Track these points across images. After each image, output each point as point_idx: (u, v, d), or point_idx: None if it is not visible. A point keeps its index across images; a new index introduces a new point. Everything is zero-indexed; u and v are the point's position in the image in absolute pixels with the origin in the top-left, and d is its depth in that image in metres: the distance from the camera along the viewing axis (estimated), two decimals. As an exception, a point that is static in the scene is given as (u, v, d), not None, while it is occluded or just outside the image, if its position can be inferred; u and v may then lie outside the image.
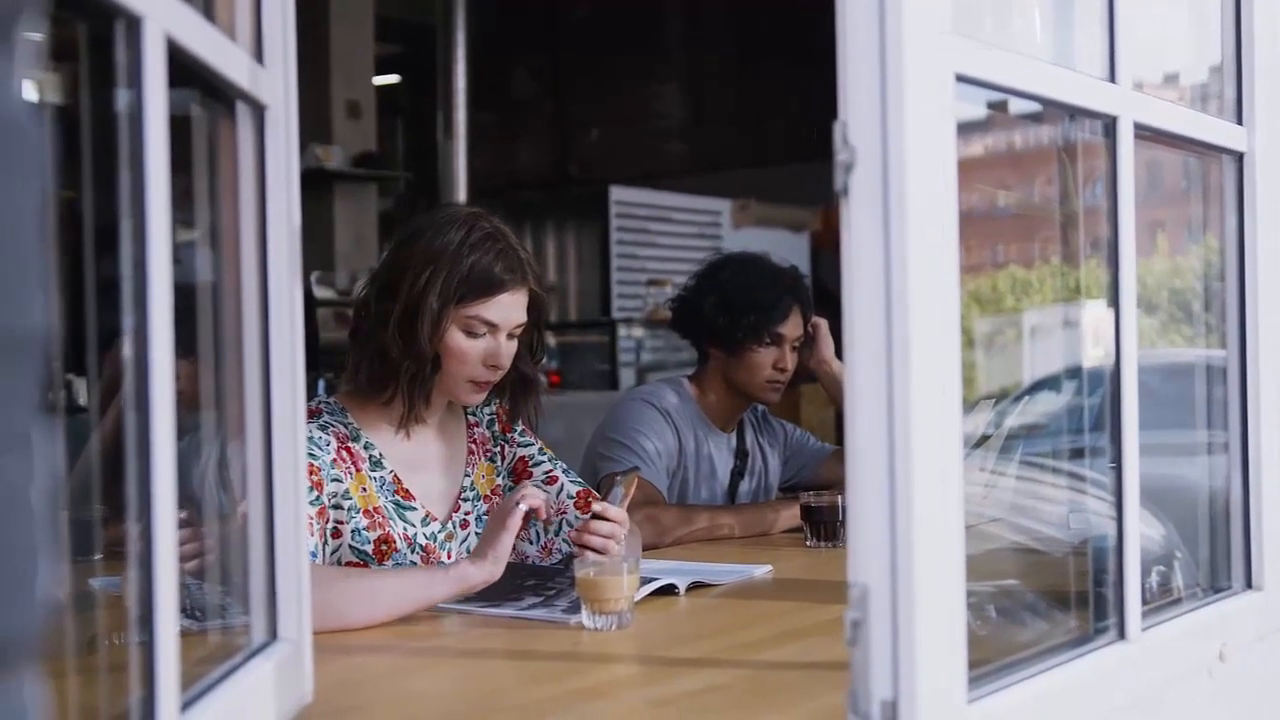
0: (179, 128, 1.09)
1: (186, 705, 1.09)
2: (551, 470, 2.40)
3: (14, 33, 0.58)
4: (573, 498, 2.35)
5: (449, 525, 2.29)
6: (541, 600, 2.03)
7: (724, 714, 1.49)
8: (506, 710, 1.52)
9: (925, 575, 1.16)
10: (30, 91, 0.60)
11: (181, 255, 1.14)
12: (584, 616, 1.87)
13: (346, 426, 2.22)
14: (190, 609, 1.37)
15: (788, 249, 6.53)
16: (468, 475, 2.35)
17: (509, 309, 2.21)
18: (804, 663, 1.71)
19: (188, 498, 1.18)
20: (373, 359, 2.20)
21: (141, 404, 1.01)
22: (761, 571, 2.35)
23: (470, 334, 2.19)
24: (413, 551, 2.21)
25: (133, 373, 1.01)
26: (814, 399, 6.73)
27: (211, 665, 1.26)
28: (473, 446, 2.38)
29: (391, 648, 1.84)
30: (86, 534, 1.75)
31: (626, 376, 7.42)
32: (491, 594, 2.05)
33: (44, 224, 0.61)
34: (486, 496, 2.37)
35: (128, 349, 1.01)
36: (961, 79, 1.24)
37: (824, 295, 3.29)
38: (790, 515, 2.83)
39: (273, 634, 1.38)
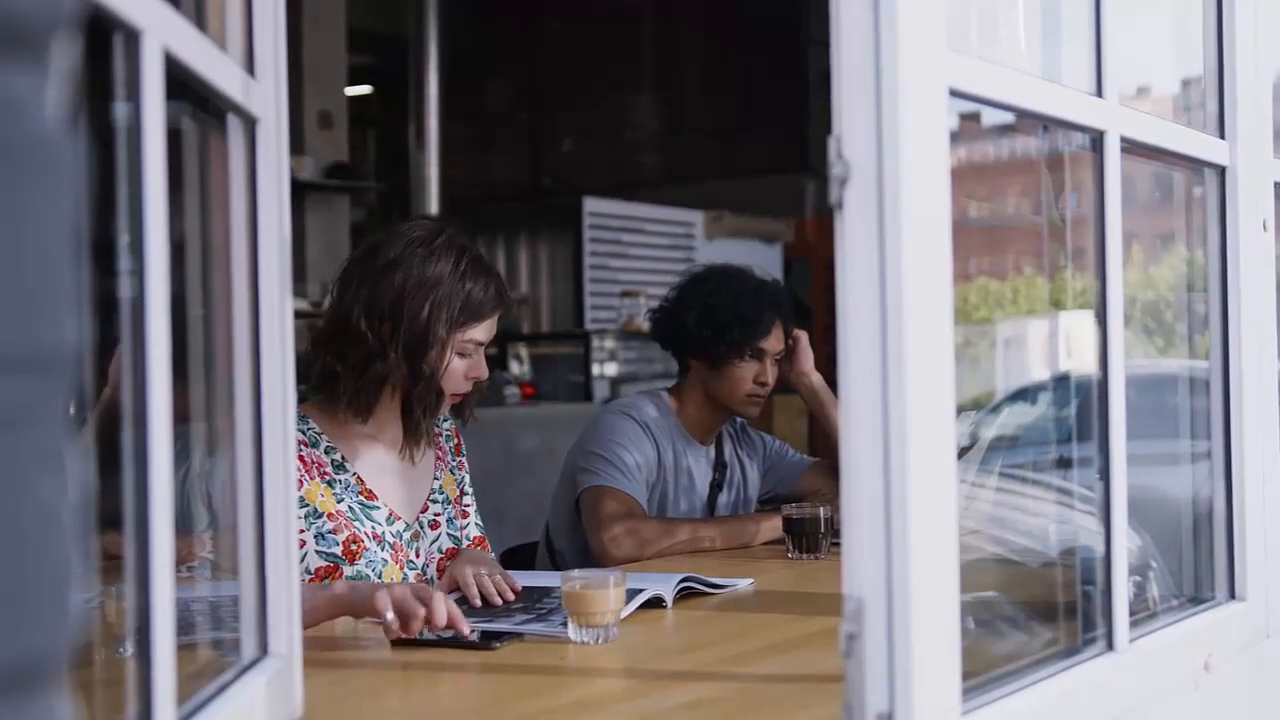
0: (169, 140, 1.08)
1: (181, 722, 1.09)
2: (469, 506, 2.51)
3: (46, 53, 0.58)
4: (469, 540, 2.44)
5: (415, 525, 2.35)
6: (535, 617, 2.03)
7: (716, 727, 1.49)
8: (496, 724, 1.52)
9: (921, 588, 1.16)
10: (63, 108, 0.60)
11: (171, 268, 1.14)
12: (570, 630, 1.87)
13: (305, 433, 2.26)
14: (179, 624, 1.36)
15: (760, 260, 6.54)
16: (436, 478, 2.42)
17: (493, 327, 2.34)
18: (794, 675, 1.71)
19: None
20: (371, 384, 2.25)
21: (138, 418, 1.00)
22: (745, 584, 2.35)
23: (462, 355, 2.29)
24: (382, 549, 2.26)
25: (130, 387, 1.00)
26: (786, 410, 6.74)
27: (203, 680, 1.25)
28: (439, 454, 2.46)
29: (380, 663, 1.83)
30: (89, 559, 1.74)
31: (600, 388, 7.41)
32: (483, 613, 2.04)
33: (77, 242, 0.61)
34: (455, 501, 2.45)
35: (125, 362, 1.00)
36: (955, 93, 1.25)
37: (796, 306, 3.30)
38: (771, 527, 2.84)
39: (263, 649, 1.37)
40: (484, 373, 2.33)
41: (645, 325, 3.32)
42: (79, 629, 0.60)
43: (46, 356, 0.57)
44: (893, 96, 1.16)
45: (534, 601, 2.13)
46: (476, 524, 2.51)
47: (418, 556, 2.34)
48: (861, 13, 1.16)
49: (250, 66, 1.35)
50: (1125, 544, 1.54)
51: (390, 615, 1.81)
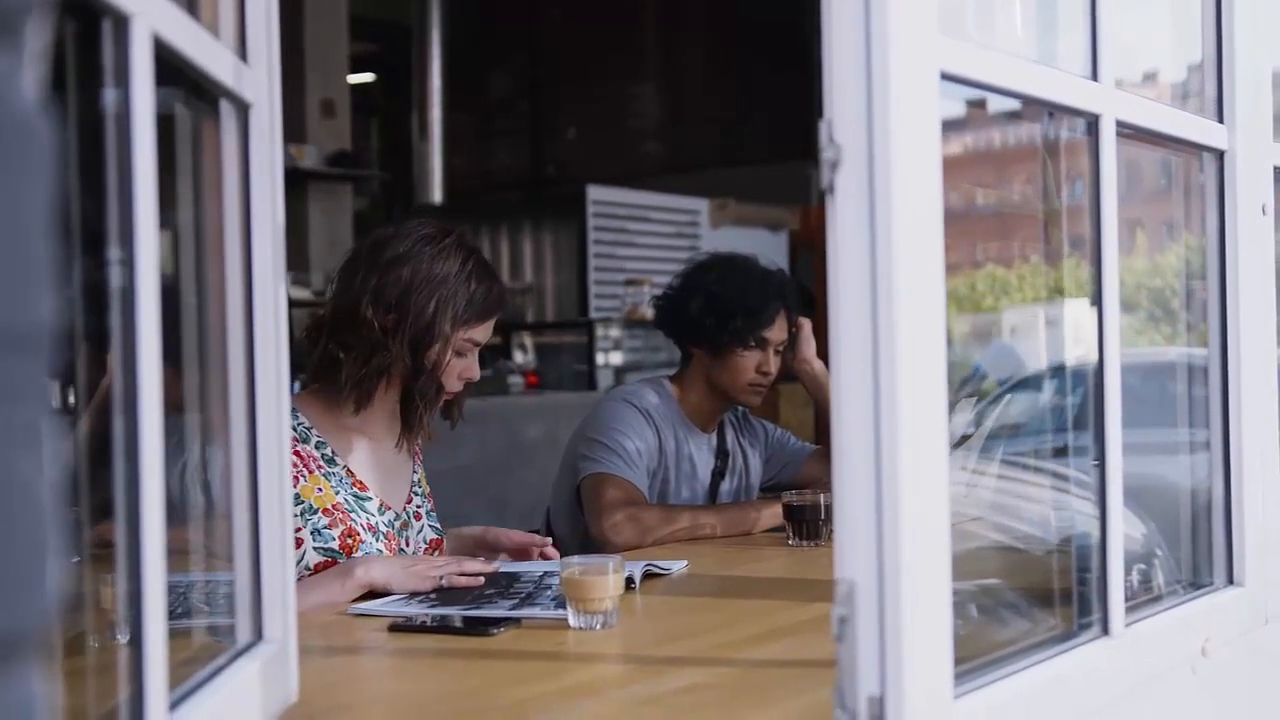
0: (161, 127, 1.08)
1: (174, 705, 1.09)
2: (429, 505, 2.52)
3: (21, 32, 0.58)
4: (426, 543, 2.45)
5: (404, 515, 2.39)
6: (524, 597, 2.03)
7: (711, 711, 1.49)
8: (492, 710, 1.52)
9: (912, 571, 1.16)
10: (37, 88, 0.60)
11: (163, 256, 1.14)
12: (569, 616, 1.87)
13: (295, 428, 2.27)
14: (174, 609, 1.36)
15: (766, 248, 6.54)
16: (416, 472, 2.47)
17: (490, 329, 2.38)
18: (790, 660, 1.71)
19: (169, 500, 1.17)
20: (372, 374, 2.27)
21: (129, 407, 1.00)
22: (678, 567, 2.37)
23: (460, 353, 2.33)
24: (376, 539, 2.30)
25: (120, 375, 1.00)
26: (792, 398, 6.75)
27: (197, 665, 1.25)
28: (416, 450, 2.50)
29: (376, 648, 1.83)
30: (67, 535, 1.74)
31: (604, 377, 7.41)
32: (468, 600, 2.04)
33: (51, 222, 0.61)
34: (429, 495, 2.50)
35: (115, 352, 1.00)
36: (947, 77, 1.25)
37: (802, 295, 3.29)
38: (772, 514, 2.84)
39: (258, 634, 1.37)
40: (476, 374, 2.38)
41: (649, 313, 3.32)
42: (57, 605, 0.61)
43: (22, 335, 0.58)
44: (883, 80, 1.15)
45: (507, 587, 2.13)
46: (433, 526, 2.51)
47: (407, 545, 2.38)
48: (852, -4, 1.16)
49: (243, 52, 1.35)
50: (1120, 529, 1.53)
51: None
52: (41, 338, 0.59)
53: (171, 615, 1.14)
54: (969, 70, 1.30)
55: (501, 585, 2.15)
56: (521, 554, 2.43)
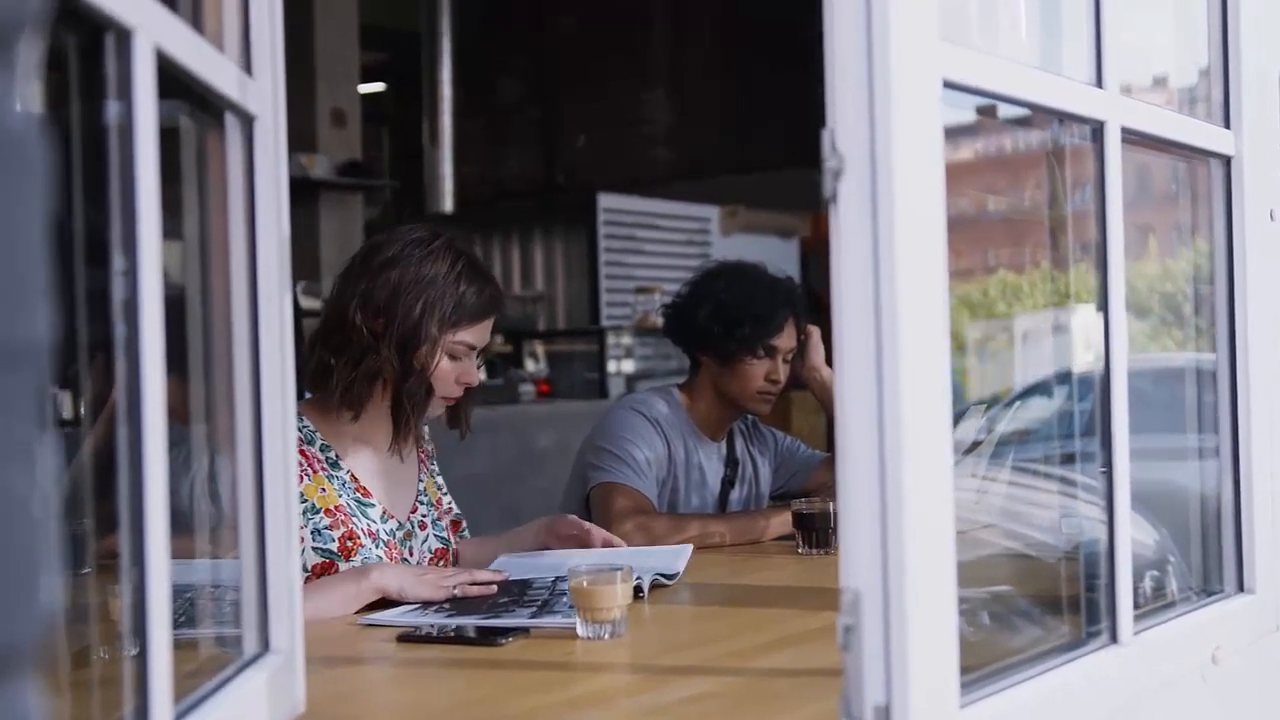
0: (166, 139, 1.08)
1: (179, 717, 1.09)
2: (449, 501, 2.54)
3: (15, 46, 0.58)
4: (431, 553, 2.44)
5: (407, 525, 2.39)
6: (541, 605, 2.03)
7: (718, 721, 1.49)
8: (500, 720, 1.52)
9: (917, 579, 1.16)
10: (31, 104, 0.61)
11: (169, 267, 1.14)
12: (577, 626, 1.87)
13: (301, 431, 2.28)
14: (180, 620, 1.36)
15: (776, 255, 6.53)
16: (420, 481, 2.47)
17: (488, 332, 2.36)
18: (797, 669, 1.71)
19: (178, 511, 1.18)
20: (363, 378, 2.28)
21: (133, 417, 1.00)
22: (685, 554, 2.41)
23: (452, 357, 2.32)
24: (376, 546, 2.30)
25: (124, 386, 1.00)
26: (804, 406, 6.73)
27: (203, 677, 1.25)
28: (422, 457, 2.50)
29: (383, 659, 1.83)
30: (76, 547, 1.74)
31: (615, 385, 7.41)
32: (484, 610, 2.04)
33: (46, 236, 0.61)
34: (436, 503, 2.49)
35: (119, 363, 1.01)
36: (949, 85, 1.25)
37: (813, 302, 3.29)
38: (781, 522, 2.83)
39: (265, 645, 1.37)
40: (474, 379, 2.36)
41: (660, 321, 3.33)
42: (52, 619, 0.61)
43: (15, 349, 0.58)
44: (885, 88, 1.15)
45: (520, 595, 2.13)
46: (439, 536, 2.50)
47: (411, 555, 2.38)
48: (853, 4, 1.16)
49: (247, 65, 1.36)
50: (1129, 536, 1.53)
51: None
52: (37, 353, 0.59)
53: (176, 624, 1.14)
54: (971, 77, 1.30)
55: (515, 594, 2.14)
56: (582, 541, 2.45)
